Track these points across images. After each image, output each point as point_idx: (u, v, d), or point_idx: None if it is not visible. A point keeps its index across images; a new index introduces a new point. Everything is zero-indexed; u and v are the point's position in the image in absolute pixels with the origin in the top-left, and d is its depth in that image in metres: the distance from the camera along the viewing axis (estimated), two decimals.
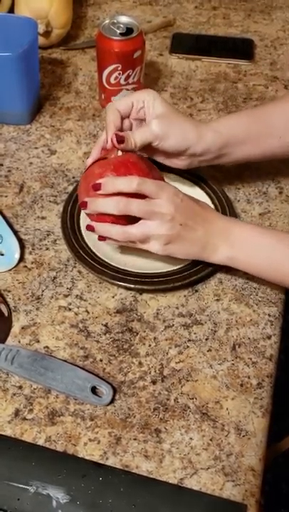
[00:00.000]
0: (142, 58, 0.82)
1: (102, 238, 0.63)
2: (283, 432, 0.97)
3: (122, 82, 0.82)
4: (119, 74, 0.81)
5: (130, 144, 0.64)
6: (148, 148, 0.67)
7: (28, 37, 0.77)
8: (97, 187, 0.61)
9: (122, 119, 0.66)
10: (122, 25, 0.80)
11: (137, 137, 0.65)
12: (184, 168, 0.71)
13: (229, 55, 0.98)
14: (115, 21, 0.80)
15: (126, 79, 0.82)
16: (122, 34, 0.79)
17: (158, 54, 0.99)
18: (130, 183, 0.59)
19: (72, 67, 0.96)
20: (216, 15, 1.08)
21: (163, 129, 0.65)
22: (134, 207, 0.60)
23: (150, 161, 0.66)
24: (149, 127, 0.65)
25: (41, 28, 0.90)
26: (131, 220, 0.61)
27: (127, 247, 0.66)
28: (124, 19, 0.81)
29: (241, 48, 1.00)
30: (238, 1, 1.11)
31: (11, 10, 0.96)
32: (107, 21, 0.80)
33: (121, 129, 0.66)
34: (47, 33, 0.93)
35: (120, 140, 0.64)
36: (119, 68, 0.80)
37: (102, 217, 0.62)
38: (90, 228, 0.63)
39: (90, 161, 0.66)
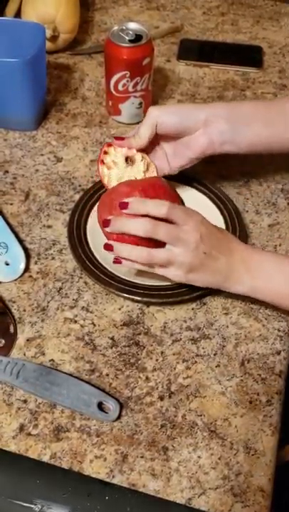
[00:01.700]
0: (151, 65, 0.81)
1: (117, 261, 0.62)
2: (284, 441, 0.96)
3: (130, 89, 0.81)
4: (128, 81, 0.80)
5: (136, 141, 0.67)
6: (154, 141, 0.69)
7: (36, 42, 0.76)
8: (124, 206, 0.60)
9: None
10: (130, 32, 0.78)
11: (141, 129, 0.67)
12: (191, 162, 0.70)
13: (237, 62, 0.97)
14: (124, 28, 0.79)
15: (134, 86, 0.80)
16: (130, 41, 0.78)
17: (165, 60, 0.98)
18: (161, 206, 0.58)
19: (79, 72, 0.95)
20: (225, 21, 1.07)
21: (164, 109, 0.68)
22: (162, 231, 0.59)
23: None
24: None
25: (48, 33, 0.89)
26: (152, 244, 0.60)
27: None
28: (133, 26, 0.80)
29: (250, 55, 0.99)
30: (247, 7, 1.11)
31: (17, 14, 0.96)
32: (115, 28, 0.79)
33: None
34: (54, 38, 0.92)
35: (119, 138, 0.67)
36: (128, 75, 0.79)
37: (122, 237, 0.61)
38: (108, 248, 0.61)
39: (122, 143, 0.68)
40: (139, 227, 0.59)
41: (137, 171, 0.68)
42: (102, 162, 0.68)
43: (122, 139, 0.68)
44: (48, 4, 0.89)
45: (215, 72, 0.96)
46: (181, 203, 0.65)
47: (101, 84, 0.91)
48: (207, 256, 0.59)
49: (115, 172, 0.68)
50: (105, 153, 0.68)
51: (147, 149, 0.69)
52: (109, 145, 0.69)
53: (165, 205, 0.59)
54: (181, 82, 0.94)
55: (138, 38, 0.79)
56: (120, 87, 0.81)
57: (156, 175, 0.69)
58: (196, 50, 0.99)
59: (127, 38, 0.78)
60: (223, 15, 1.08)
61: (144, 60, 0.79)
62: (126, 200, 0.60)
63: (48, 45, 0.91)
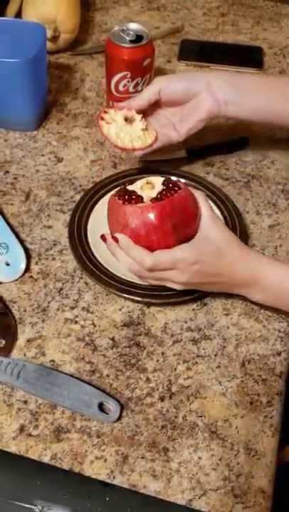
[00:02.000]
0: (152, 66, 0.81)
1: (103, 238, 0.64)
2: (285, 442, 0.96)
3: (131, 89, 0.81)
4: (128, 82, 0.80)
5: (138, 99, 0.68)
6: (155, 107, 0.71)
7: (36, 42, 0.76)
8: (115, 240, 0.61)
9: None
10: (131, 33, 0.78)
11: (144, 91, 0.69)
12: (197, 125, 0.71)
13: (238, 62, 0.97)
14: (125, 28, 0.79)
15: (135, 87, 0.80)
16: (131, 41, 0.78)
17: (166, 61, 0.98)
18: (143, 261, 0.59)
19: (80, 72, 0.95)
20: (225, 22, 1.07)
21: (168, 76, 0.70)
22: (146, 275, 0.61)
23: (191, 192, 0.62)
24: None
25: (49, 33, 0.89)
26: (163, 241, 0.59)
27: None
28: (133, 26, 0.79)
29: (250, 56, 0.99)
30: (247, 8, 1.11)
31: (18, 14, 0.95)
32: (116, 28, 0.79)
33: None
34: (54, 38, 0.92)
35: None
36: (128, 76, 0.79)
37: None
38: (103, 239, 0.63)
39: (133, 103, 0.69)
40: (127, 266, 0.61)
41: (136, 129, 0.70)
42: (102, 118, 0.70)
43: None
44: (48, 4, 0.89)
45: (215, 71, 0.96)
46: (194, 214, 0.60)
47: (102, 84, 0.91)
48: (202, 285, 0.61)
49: (114, 127, 0.70)
50: (105, 112, 0.70)
51: (151, 118, 0.72)
52: (111, 107, 0.72)
53: (147, 260, 0.58)
54: None
55: (139, 38, 0.78)
56: (121, 88, 0.81)
57: (153, 135, 0.71)
58: (196, 50, 0.99)
59: (127, 38, 0.78)
60: (223, 15, 1.08)
61: (144, 61, 0.79)
62: (117, 235, 0.60)
63: (49, 45, 0.91)
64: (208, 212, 0.60)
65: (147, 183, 0.62)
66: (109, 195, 0.73)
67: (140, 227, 0.59)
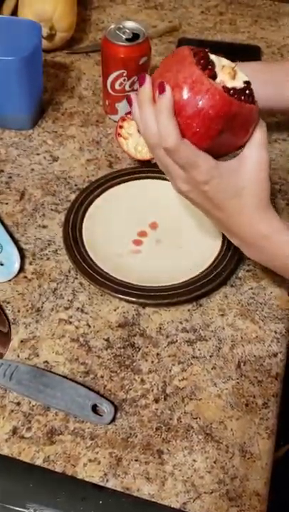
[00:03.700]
0: (148, 65, 0.80)
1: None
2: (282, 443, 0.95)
3: (127, 88, 0.80)
4: (124, 80, 0.79)
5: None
6: None
7: (32, 41, 0.75)
8: (160, 89, 0.51)
9: None
10: (127, 31, 0.78)
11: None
12: None
13: (236, 61, 0.96)
14: (121, 26, 0.78)
15: (131, 85, 0.80)
16: (127, 40, 0.77)
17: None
18: (167, 137, 0.51)
19: (76, 71, 0.94)
20: (223, 20, 1.06)
21: None
22: (157, 155, 0.54)
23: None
24: None
25: (45, 31, 0.88)
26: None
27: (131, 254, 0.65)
28: (130, 24, 0.79)
29: (248, 55, 0.98)
30: (245, 6, 1.10)
31: (14, 13, 0.95)
32: (112, 26, 0.79)
33: None
34: (50, 37, 0.91)
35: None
36: (125, 74, 0.78)
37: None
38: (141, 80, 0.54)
39: None
40: (145, 129, 0.53)
41: None
42: (119, 135, 0.75)
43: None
44: (45, 2, 0.89)
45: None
46: (252, 111, 0.52)
47: (98, 83, 0.90)
48: (198, 206, 0.56)
49: (131, 141, 0.75)
50: (120, 127, 0.75)
51: None
52: (124, 119, 0.75)
53: (170, 142, 0.50)
54: None
55: (135, 36, 0.78)
56: (117, 86, 0.80)
57: None
58: None
59: (124, 36, 0.77)
60: (221, 14, 1.08)
61: (141, 59, 0.78)
62: (167, 90, 0.50)
63: (45, 43, 0.90)
64: (260, 141, 0.53)
65: (233, 69, 0.53)
66: (108, 192, 0.73)
67: (192, 103, 0.50)
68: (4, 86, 0.76)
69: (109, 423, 0.55)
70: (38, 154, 0.80)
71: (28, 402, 0.56)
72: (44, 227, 0.71)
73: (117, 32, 0.78)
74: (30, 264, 0.68)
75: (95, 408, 0.55)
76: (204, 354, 0.61)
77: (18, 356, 0.60)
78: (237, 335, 0.62)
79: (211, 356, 0.61)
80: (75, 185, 0.77)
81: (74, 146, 0.82)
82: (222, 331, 0.63)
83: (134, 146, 0.75)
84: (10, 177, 0.77)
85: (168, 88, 0.50)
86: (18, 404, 0.56)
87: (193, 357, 0.60)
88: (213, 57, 0.53)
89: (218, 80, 0.51)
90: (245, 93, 0.51)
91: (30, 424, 0.55)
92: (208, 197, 0.54)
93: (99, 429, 0.55)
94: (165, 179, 0.74)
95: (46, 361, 0.59)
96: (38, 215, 0.73)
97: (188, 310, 0.64)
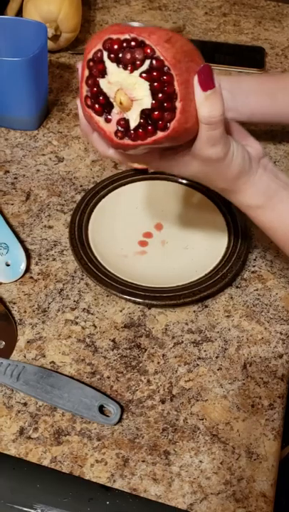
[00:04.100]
0: None
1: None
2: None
3: None
4: None
5: None
6: None
7: (38, 41, 0.76)
8: (207, 85, 0.44)
9: None
10: None
11: None
12: None
13: (239, 63, 0.97)
14: None
15: None
16: None
17: None
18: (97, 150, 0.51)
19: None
20: (226, 21, 1.06)
21: None
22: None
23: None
24: None
25: (50, 32, 0.88)
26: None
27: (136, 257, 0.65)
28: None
29: (252, 56, 0.99)
30: (249, 7, 1.10)
31: (19, 13, 0.95)
32: None
33: None
34: (55, 37, 0.91)
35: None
36: None
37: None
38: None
39: None
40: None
41: None
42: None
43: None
44: (50, 3, 0.89)
45: (217, 73, 0.95)
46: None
47: None
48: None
49: None
50: None
51: None
52: None
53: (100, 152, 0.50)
54: None
55: None
56: None
57: None
58: None
59: None
60: (225, 15, 1.08)
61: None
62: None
63: (50, 44, 0.91)
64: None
65: (121, 102, 0.44)
66: (113, 193, 0.73)
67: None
68: (10, 86, 0.76)
69: (116, 424, 0.55)
70: (43, 155, 0.80)
71: (34, 403, 0.56)
72: (50, 227, 0.72)
73: None
74: (36, 264, 0.68)
75: (101, 409, 0.55)
76: (210, 355, 0.61)
77: (25, 357, 0.60)
78: (243, 336, 0.62)
79: (216, 357, 0.61)
80: (81, 186, 0.77)
81: (79, 146, 0.82)
82: (228, 332, 0.63)
83: None
84: (15, 178, 0.77)
85: (79, 107, 0.49)
86: (25, 404, 0.56)
87: (199, 358, 0.61)
88: (109, 72, 0.44)
89: (114, 111, 0.46)
90: (145, 126, 0.44)
91: (37, 424, 0.55)
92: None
93: (106, 429, 0.55)
94: (170, 180, 0.74)
95: (53, 362, 0.59)
96: (43, 215, 0.73)
97: (194, 311, 0.64)
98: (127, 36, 0.43)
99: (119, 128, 0.45)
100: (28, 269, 0.67)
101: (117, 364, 0.60)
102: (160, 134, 0.44)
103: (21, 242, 0.69)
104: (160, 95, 0.43)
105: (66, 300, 0.64)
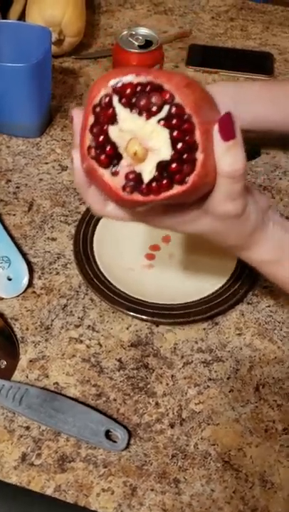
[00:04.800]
0: None
1: None
2: None
3: None
4: None
5: None
6: None
7: (42, 46, 0.73)
8: (228, 134, 0.40)
9: None
10: (140, 38, 0.75)
11: None
12: None
13: (247, 68, 0.94)
14: (133, 33, 0.76)
15: None
16: (140, 47, 0.75)
17: (173, 66, 0.95)
18: (92, 209, 0.47)
19: (85, 77, 0.91)
20: (234, 26, 1.04)
21: None
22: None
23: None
24: None
25: (53, 37, 0.86)
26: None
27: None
28: (142, 31, 0.76)
29: (260, 62, 0.96)
30: (256, 12, 1.08)
31: (21, 17, 0.92)
32: (124, 32, 0.76)
33: None
34: (59, 42, 0.89)
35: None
36: None
37: None
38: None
39: None
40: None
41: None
42: None
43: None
44: (54, 7, 0.86)
45: (224, 78, 0.93)
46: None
47: None
48: None
49: None
50: None
51: None
52: None
53: (95, 210, 0.46)
54: None
55: (148, 43, 0.75)
56: None
57: None
58: (204, 56, 0.96)
59: (136, 43, 0.75)
60: (232, 20, 1.05)
61: (153, 67, 0.76)
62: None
63: (53, 48, 0.88)
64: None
65: (136, 153, 0.40)
66: None
67: (96, 187, 0.43)
68: (12, 93, 0.74)
69: (123, 450, 0.53)
70: (46, 163, 0.78)
71: (37, 427, 0.54)
72: (53, 239, 0.69)
73: (130, 38, 0.76)
74: (39, 278, 0.65)
75: (108, 434, 0.53)
76: (221, 376, 0.58)
77: (27, 377, 0.57)
78: (255, 355, 0.60)
79: (228, 378, 0.58)
80: None
81: None
82: (239, 352, 0.60)
83: None
84: (17, 187, 0.75)
85: (76, 158, 0.44)
86: (28, 428, 0.54)
87: (210, 379, 0.58)
88: (120, 119, 0.40)
89: (123, 162, 0.41)
90: (160, 180, 0.40)
91: (40, 450, 0.52)
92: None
93: (112, 455, 0.52)
94: None
95: (56, 382, 0.57)
96: (46, 227, 0.70)
97: (204, 329, 0.62)
98: (142, 79, 0.39)
99: (128, 182, 0.40)
100: (30, 284, 0.64)
101: (124, 385, 0.57)
102: (177, 189, 0.40)
103: (23, 255, 0.66)
104: (180, 145, 0.39)
105: (70, 317, 0.62)
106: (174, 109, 0.39)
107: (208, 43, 1.00)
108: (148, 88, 0.39)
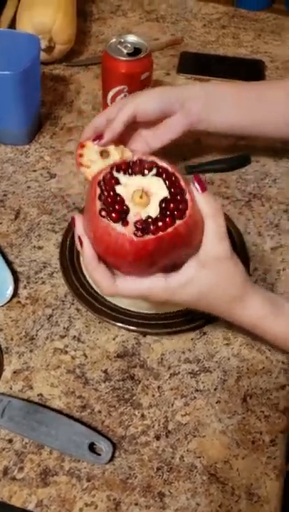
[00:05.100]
0: (150, 80, 0.77)
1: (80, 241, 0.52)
2: None
3: None
4: (125, 96, 0.76)
5: (111, 131, 0.64)
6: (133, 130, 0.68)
7: (30, 54, 0.73)
8: (80, 243, 0.51)
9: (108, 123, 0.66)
10: (129, 45, 0.75)
11: (116, 120, 0.65)
12: (171, 141, 0.69)
13: (239, 76, 0.94)
14: (122, 40, 0.76)
15: None
16: (129, 54, 0.74)
17: (165, 73, 0.94)
18: (102, 288, 0.51)
19: (75, 84, 0.91)
20: (225, 34, 1.04)
21: (141, 97, 0.67)
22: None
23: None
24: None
25: (44, 44, 0.86)
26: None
27: None
28: (131, 38, 0.76)
29: (251, 70, 0.96)
30: (248, 20, 1.07)
31: (12, 25, 0.92)
32: (113, 40, 0.76)
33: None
34: (49, 49, 0.88)
35: (98, 137, 0.64)
36: (126, 90, 0.75)
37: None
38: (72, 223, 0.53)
39: (84, 137, 0.66)
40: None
41: (115, 160, 0.66)
42: (81, 164, 0.65)
43: (98, 138, 0.65)
44: (44, 14, 0.86)
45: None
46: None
47: (98, 97, 0.87)
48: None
49: (95, 168, 0.65)
50: (80, 155, 0.66)
51: (123, 136, 0.67)
52: (82, 146, 0.66)
53: (107, 289, 0.51)
54: None
55: (137, 51, 0.75)
56: None
57: (130, 156, 0.63)
58: (196, 63, 0.96)
59: (125, 51, 0.75)
60: (223, 28, 1.05)
61: (142, 75, 0.75)
62: (84, 244, 0.50)
63: (44, 55, 0.88)
64: (212, 243, 0.51)
65: (141, 196, 0.49)
66: None
67: (110, 252, 0.48)
68: (1, 100, 0.73)
69: (108, 463, 0.52)
70: (34, 171, 0.77)
71: (20, 440, 0.53)
72: (40, 248, 0.68)
73: (118, 46, 0.75)
74: (25, 288, 0.64)
75: (92, 446, 0.52)
76: (208, 387, 0.57)
77: (11, 388, 0.56)
78: (243, 366, 0.59)
79: (215, 389, 0.57)
80: (73, 203, 0.73)
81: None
82: (227, 362, 0.59)
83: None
84: (5, 195, 0.74)
85: (85, 241, 0.50)
86: (10, 441, 0.53)
87: (197, 390, 0.57)
88: (122, 186, 0.50)
89: (131, 214, 0.48)
90: (165, 216, 0.48)
91: (22, 463, 0.51)
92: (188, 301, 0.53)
93: (96, 469, 0.52)
94: None
95: (41, 394, 0.56)
96: (33, 235, 0.70)
97: (192, 339, 0.61)
98: (133, 159, 0.51)
99: (139, 227, 0.48)
100: (15, 293, 0.63)
101: (109, 397, 0.56)
102: (179, 222, 0.48)
103: (9, 263, 0.66)
104: (173, 190, 0.49)
105: (55, 327, 0.61)
106: (160, 169, 0.51)
107: (200, 50, 1.00)
108: (137, 161, 0.51)
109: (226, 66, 0.96)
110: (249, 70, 0.96)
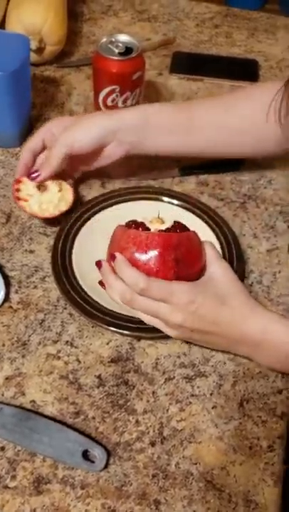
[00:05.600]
0: (142, 80, 0.77)
1: (102, 283, 0.59)
2: None
3: (120, 104, 0.76)
4: (117, 96, 0.75)
5: (48, 169, 0.66)
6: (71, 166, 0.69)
7: (19, 55, 0.72)
8: (112, 258, 0.56)
9: (36, 155, 0.70)
10: (120, 45, 0.74)
11: (52, 157, 0.66)
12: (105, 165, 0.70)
13: (232, 76, 0.93)
14: (113, 40, 0.75)
15: (124, 101, 0.76)
16: (120, 54, 0.74)
17: (157, 73, 0.94)
18: (136, 282, 0.54)
19: (66, 85, 0.90)
20: (218, 33, 1.03)
21: (74, 132, 0.67)
22: (138, 304, 0.55)
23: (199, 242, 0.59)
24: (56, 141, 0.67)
25: (34, 45, 0.84)
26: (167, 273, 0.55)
27: None
28: (123, 38, 0.75)
29: (245, 69, 0.95)
30: (241, 19, 1.07)
31: (1, 25, 0.91)
32: (104, 40, 0.75)
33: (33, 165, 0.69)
34: (40, 50, 0.87)
35: (34, 176, 0.67)
36: (117, 90, 0.75)
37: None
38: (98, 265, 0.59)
39: (18, 174, 0.68)
40: (117, 293, 0.56)
41: (53, 193, 0.68)
42: (18, 199, 0.67)
43: (33, 173, 0.68)
44: (34, 15, 0.85)
45: (209, 86, 0.92)
46: (198, 270, 0.57)
47: (89, 98, 0.86)
48: (197, 333, 0.55)
49: (33, 201, 0.67)
50: (17, 190, 0.67)
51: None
52: (18, 181, 0.68)
53: (141, 282, 0.53)
54: (173, 97, 0.89)
55: (128, 50, 0.74)
56: (109, 102, 0.76)
57: (70, 189, 0.69)
58: (189, 63, 0.95)
59: (116, 50, 0.74)
60: (216, 27, 1.04)
61: (134, 75, 0.74)
62: (116, 253, 0.56)
63: (34, 57, 0.87)
64: (215, 255, 0.58)
65: (158, 217, 0.59)
66: (99, 215, 0.69)
67: (142, 253, 0.55)
68: None
69: (102, 470, 0.51)
70: None
71: (13, 447, 0.52)
72: (31, 252, 0.67)
73: (110, 46, 0.74)
74: (16, 292, 0.63)
75: (86, 454, 0.51)
76: (204, 392, 0.56)
77: (3, 395, 0.55)
78: (239, 370, 0.58)
79: (211, 394, 0.56)
80: None
81: None
82: (223, 366, 0.58)
83: (39, 205, 0.67)
84: None
85: (118, 254, 0.56)
86: (3, 449, 0.52)
87: (192, 395, 0.56)
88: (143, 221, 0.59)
89: (151, 230, 0.58)
90: (177, 226, 0.58)
91: (15, 471, 0.50)
92: (201, 315, 0.54)
93: (90, 476, 0.50)
94: (160, 200, 0.71)
95: (33, 400, 0.55)
96: (25, 238, 0.68)
97: (187, 342, 0.60)
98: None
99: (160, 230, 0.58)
100: (7, 298, 0.62)
101: (103, 403, 0.55)
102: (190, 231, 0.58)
103: (0, 268, 0.64)
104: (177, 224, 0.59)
105: (48, 332, 0.60)
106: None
107: (193, 50, 0.99)
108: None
109: (219, 66, 0.96)
110: (243, 70, 0.95)
